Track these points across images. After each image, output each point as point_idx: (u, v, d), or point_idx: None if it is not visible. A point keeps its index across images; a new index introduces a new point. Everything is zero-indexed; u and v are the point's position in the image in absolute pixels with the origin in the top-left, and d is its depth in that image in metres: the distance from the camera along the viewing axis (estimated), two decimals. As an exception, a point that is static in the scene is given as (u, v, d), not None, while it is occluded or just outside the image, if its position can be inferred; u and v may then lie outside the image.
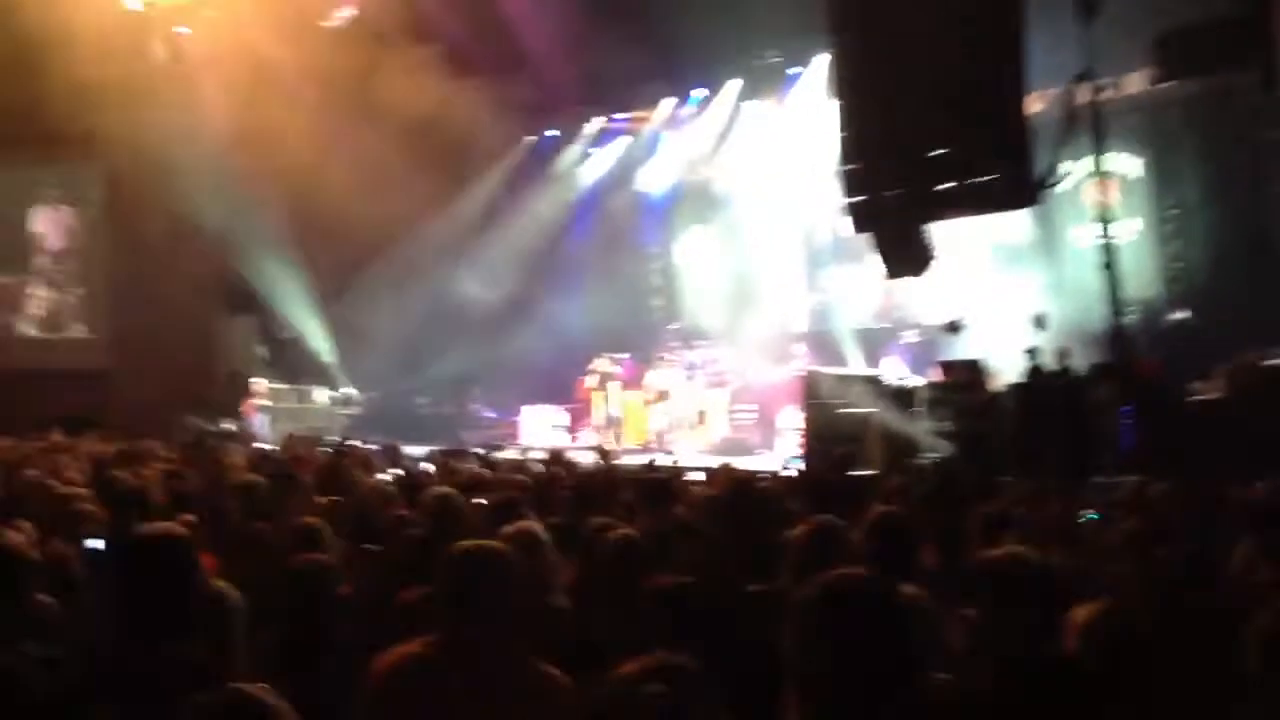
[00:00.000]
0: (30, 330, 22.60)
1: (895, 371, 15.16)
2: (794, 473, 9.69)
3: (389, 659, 3.03)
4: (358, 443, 13.63)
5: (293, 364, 20.89)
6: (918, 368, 15.27)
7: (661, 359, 18.16)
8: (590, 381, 19.13)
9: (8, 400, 18.24)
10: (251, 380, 19.90)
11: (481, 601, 3.00)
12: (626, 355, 19.77)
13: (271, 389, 19.92)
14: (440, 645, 3.01)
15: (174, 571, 3.05)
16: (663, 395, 18.03)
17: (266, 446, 14.95)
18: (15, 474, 8.24)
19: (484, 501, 6.00)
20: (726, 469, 8.76)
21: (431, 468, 9.89)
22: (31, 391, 19.57)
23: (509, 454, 13.58)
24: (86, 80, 16.48)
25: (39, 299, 22.55)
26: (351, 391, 20.76)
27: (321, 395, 20.25)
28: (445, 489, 5.97)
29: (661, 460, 12.84)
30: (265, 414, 19.46)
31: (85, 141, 19.75)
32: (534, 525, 4.24)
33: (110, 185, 21.27)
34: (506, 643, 3.02)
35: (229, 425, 18.69)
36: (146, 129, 18.22)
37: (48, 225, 22.42)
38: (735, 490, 5.74)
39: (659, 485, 6.52)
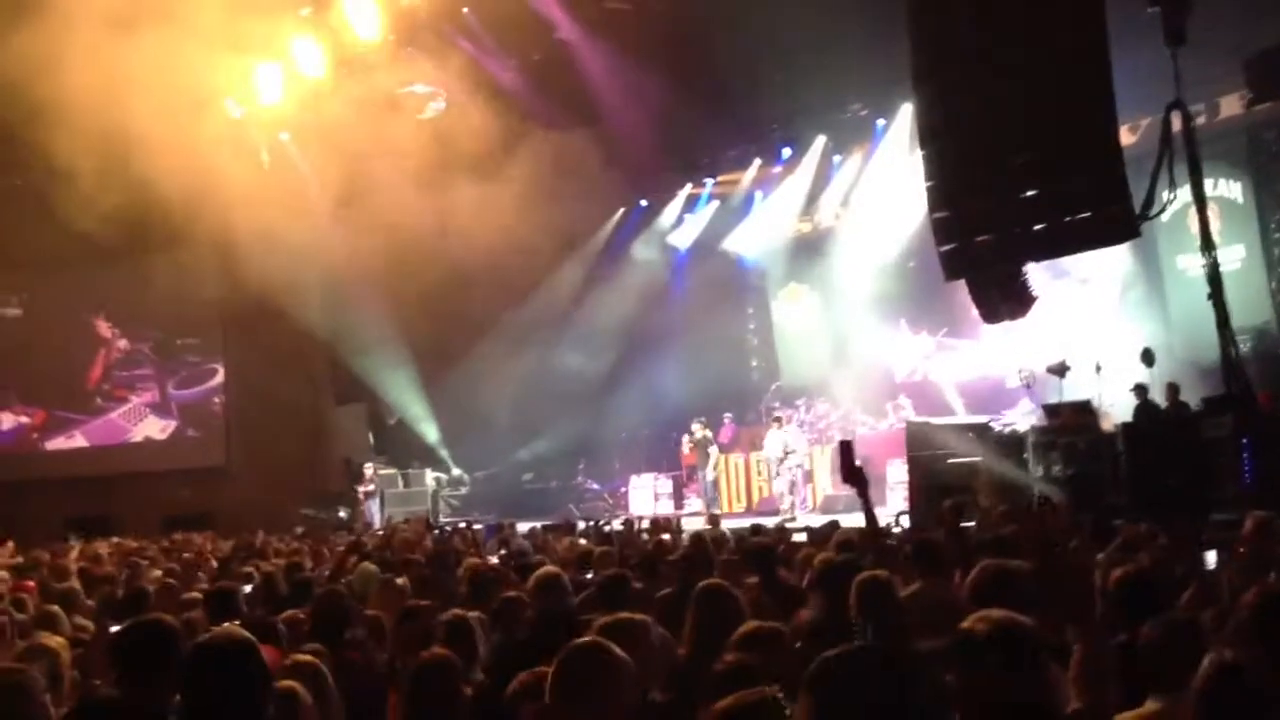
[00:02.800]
0: (147, 431, 23.46)
1: (1026, 416, 14.78)
2: (900, 528, 9.51)
3: None
4: (463, 523, 13.77)
5: (400, 448, 21.29)
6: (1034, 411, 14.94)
7: (777, 419, 18.02)
8: (686, 446, 19.09)
9: (130, 503, 18.88)
10: (364, 466, 20.29)
11: (588, 699, 3.06)
12: (728, 417, 19.73)
13: (380, 474, 20.30)
14: None
15: (238, 675, 3.16)
16: (779, 455, 17.86)
17: (379, 530, 15.22)
18: (137, 576, 8.49)
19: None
20: (832, 529, 8.65)
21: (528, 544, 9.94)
22: (149, 490, 20.26)
23: (616, 525, 13.57)
24: (196, 185, 17.22)
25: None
26: (458, 472, 21.06)
27: (429, 477, 20.55)
28: (551, 568, 5.99)
29: (768, 521, 12.70)
30: (375, 499, 19.82)
31: (196, 243, 20.56)
32: (637, 616, 4.19)
33: (221, 285, 22.07)
34: None
35: (343, 513, 19.07)
36: (254, 228, 18.93)
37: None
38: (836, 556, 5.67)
39: (763, 550, 6.48)
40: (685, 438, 19.09)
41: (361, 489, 19.98)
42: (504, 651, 4.94)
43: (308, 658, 4.14)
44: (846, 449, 5.75)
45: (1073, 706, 3.27)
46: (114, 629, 5.05)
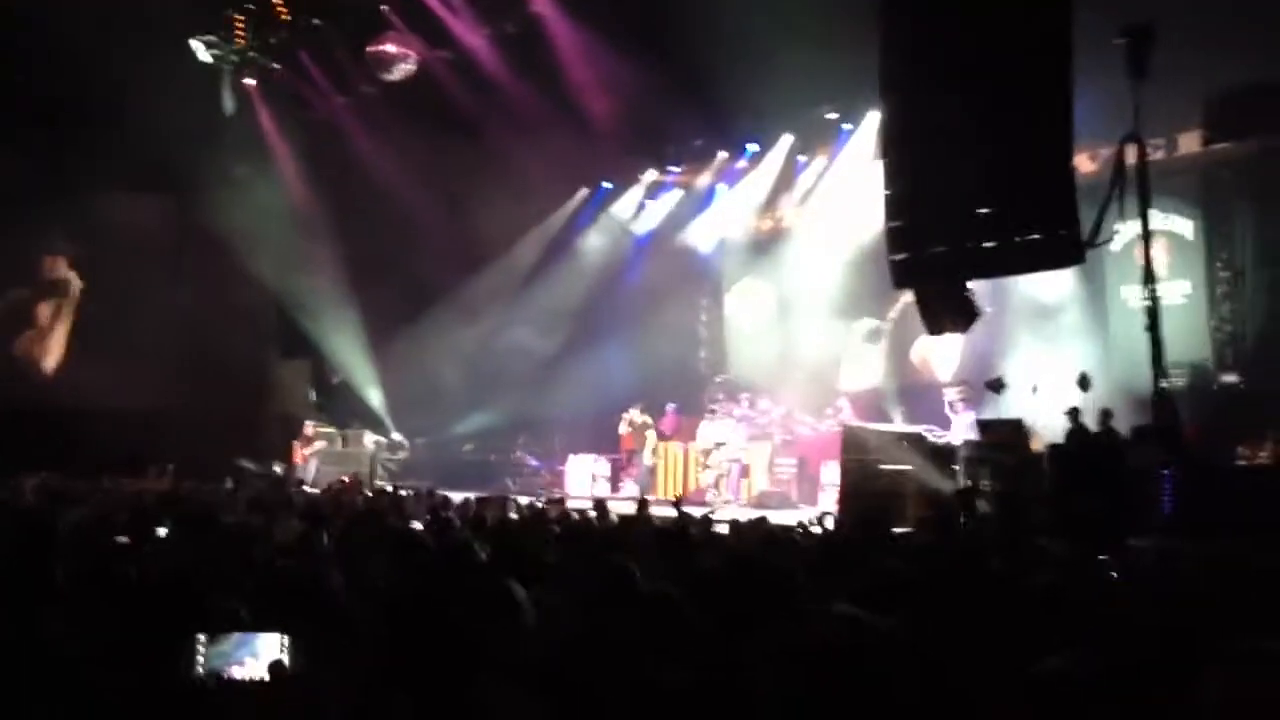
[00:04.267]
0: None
1: (965, 430, 14.97)
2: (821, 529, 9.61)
3: None
4: (391, 489, 13.72)
5: (342, 408, 21.17)
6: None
7: (711, 411, 18.17)
8: (623, 430, 19.17)
9: (63, 438, 18.59)
10: (305, 425, 20.16)
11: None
12: (672, 406, 19.81)
13: (320, 432, 20.19)
14: None
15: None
16: (708, 447, 17.98)
17: (311, 490, 15.13)
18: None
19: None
20: (758, 523, 8.74)
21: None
22: (86, 429, 19.95)
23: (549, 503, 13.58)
24: (160, 124, 17.00)
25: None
26: (399, 437, 20.96)
27: (368, 440, 20.45)
28: (466, 536, 6.02)
29: (698, 512, 12.78)
30: (314, 459, 19.70)
31: (151, 183, 20.30)
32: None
33: (175, 226, 21.78)
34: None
35: (277, 469, 18.94)
36: (212, 173, 18.74)
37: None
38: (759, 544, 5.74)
39: (678, 536, 6.54)
40: (624, 420, 19.16)
41: (305, 447, 19.85)
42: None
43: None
44: None
45: None
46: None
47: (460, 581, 4.43)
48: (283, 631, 3.29)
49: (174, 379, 21.32)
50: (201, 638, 3.25)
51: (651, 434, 18.75)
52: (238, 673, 3.23)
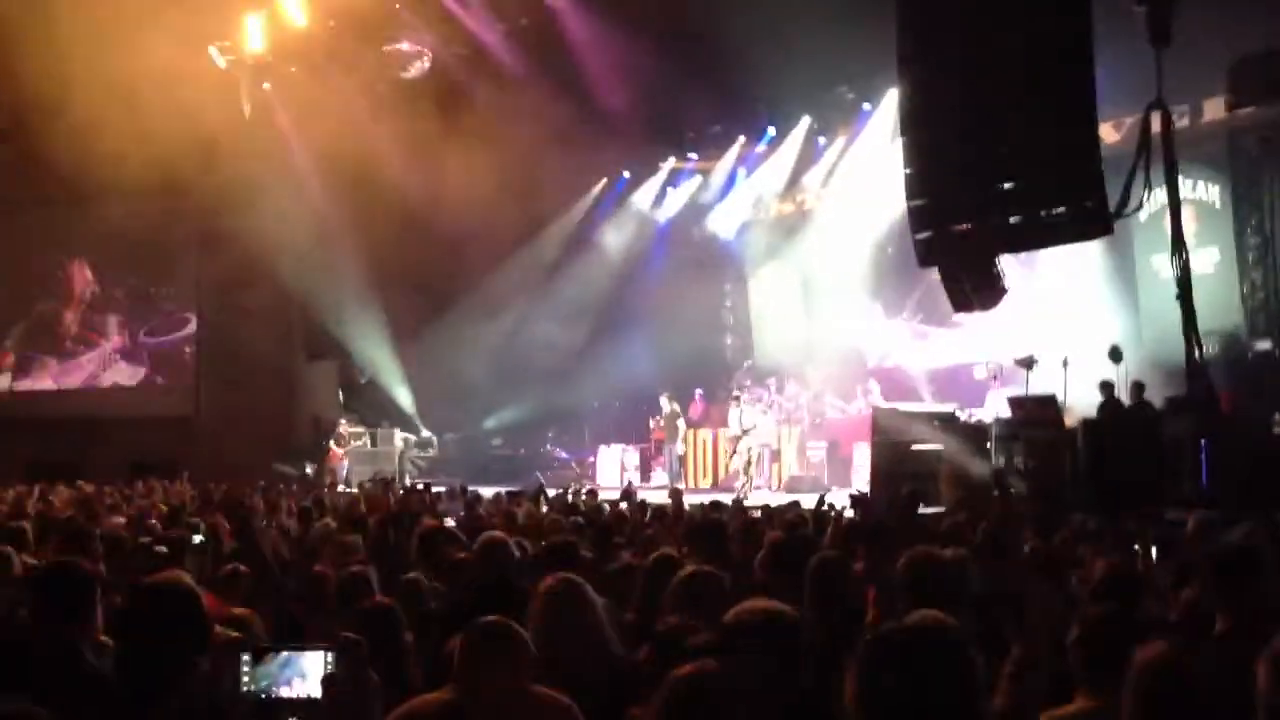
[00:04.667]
0: (116, 377, 23.35)
1: (997, 408, 14.89)
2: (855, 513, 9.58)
3: (409, 706, 3.21)
4: (424, 486, 13.76)
5: (371, 407, 21.26)
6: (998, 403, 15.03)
7: (736, 397, 18.12)
8: (657, 418, 19.16)
9: (96, 448, 18.78)
10: (338, 426, 20.26)
11: (493, 667, 3.23)
12: (699, 392, 19.78)
13: (349, 432, 20.29)
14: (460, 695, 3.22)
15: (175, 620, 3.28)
16: (737, 434, 17.93)
17: (346, 489, 15.21)
18: (91, 519, 8.47)
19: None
20: (788, 509, 8.72)
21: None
22: (116, 437, 20.16)
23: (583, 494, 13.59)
24: (178, 132, 17.09)
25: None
26: (427, 434, 21.03)
27: (397, 438, 20.53)
28: (496, 534, 6.00)
29: (728, 498, 12.76)
30: (348, 458, 19.82)
31: (171, 188, 20.41)
32: (571, 578, 4.23)
33: (196, 232, 21.91)
34: (523, 691, 3.23)
35: (309, 469, 19.06)
36: (232, 179, 18.82)
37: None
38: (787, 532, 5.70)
39: (713, 527, 6.51)
40: (655, 416, 19.17)
41: (340, 446, 19.96)
42: (447, 611, 4.97)
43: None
44: None
45: (998, 704, 3.30)
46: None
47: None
48: (328, 648, 3.24)
49: (202, 384, 21.53)
50: (246, 657, 3.21)
51: (681, 423, 18.72)
52: (286, 693, 3.19)
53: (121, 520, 8.97)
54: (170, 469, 17.32)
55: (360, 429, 20.56)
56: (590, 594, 4.05)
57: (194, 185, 19.41)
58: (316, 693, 3.16)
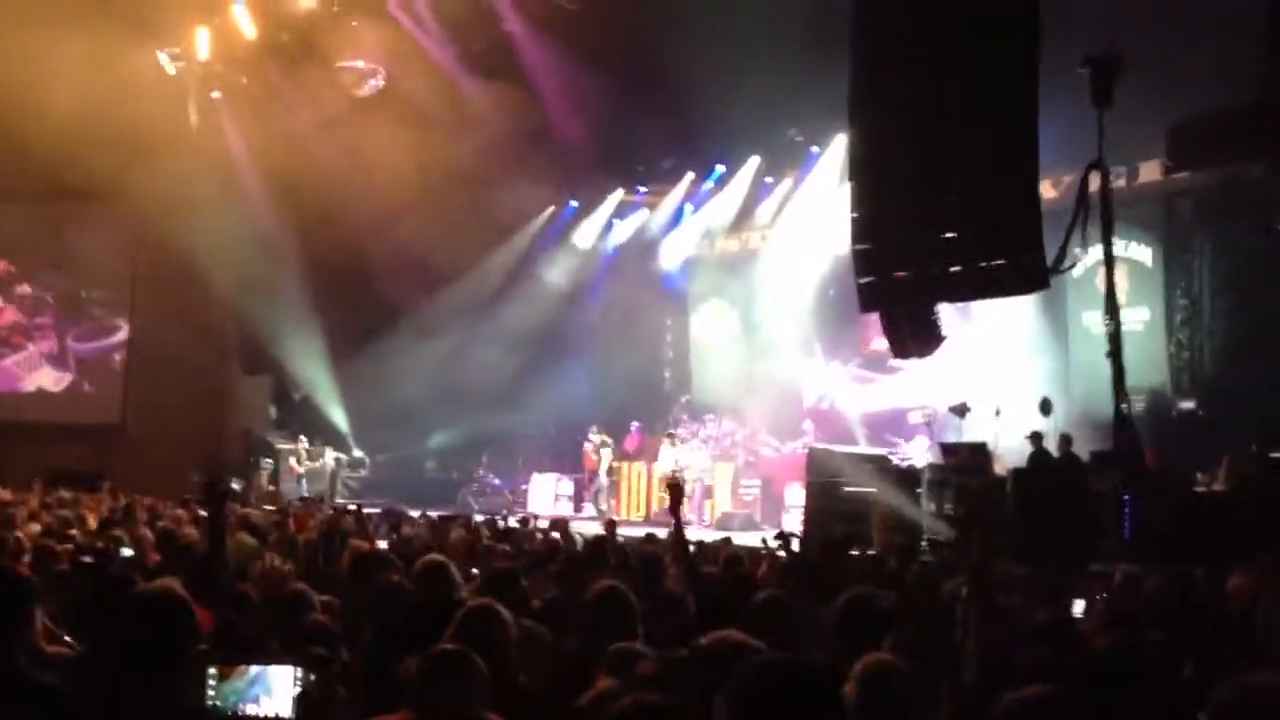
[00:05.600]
0: (41, 381, 22.83)
1: (922, 452, 15.14)
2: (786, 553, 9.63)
3: None
4: (357, 508, 13.59)
5: (304, 425, 21.00)
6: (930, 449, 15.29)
7: (671, 435, 18.19)
8: (587, 448, 19.17)
9: (16, 454, 18.34)
10: (299, 440, 19.98)
11: (452, 693, 3.24)
12: (636, 425, 19.82)
13: (281, 449, 20.01)
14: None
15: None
16: (671, 469, 17.95)
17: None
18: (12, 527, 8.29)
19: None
20: (722, 545, 8.75)
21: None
22: (41, 445, 19.71)
23: (512, 521, 13.54)
24: (121, 137, 16.85)
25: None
26: (360, 454, 20.81)
27: (329, 457, 20.29)
28: (437, 557, 5.97)
29: (662, 532, 12.79)
30: (304, 477, 19.58)
31: (113, 194, 20.11)
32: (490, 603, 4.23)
33: (134, 241, 21.57)
34: (479, 717, 3.28)
35: (236, 484, 18.75)
36: (174, 187, 18.56)
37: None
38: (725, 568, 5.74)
39: (653, 559, 6.53)
40: (587, 444, 19.21)
41: (298, 464, 19.70)
42: (382, 637, 4.93)
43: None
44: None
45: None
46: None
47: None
48: (296, 663, 3.17)
49: (130, 393, 21.12)
50: (212, 671, 3.13)
51: (607, 453, 18.77)
52: (254, 710, 3.10)
53: (37, 528, 8.79)
54: (93, 479, 16.95)
55: (292, 446, 20.28)
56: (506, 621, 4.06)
57: (134, 191, 19.11)
58: (285, 710, 3.09)
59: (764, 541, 9.35)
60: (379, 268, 19.48)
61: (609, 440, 18.96)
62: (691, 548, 8.86)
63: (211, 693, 3.11)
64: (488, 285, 21.43)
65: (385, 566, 6.38)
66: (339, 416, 20.90)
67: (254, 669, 3.14)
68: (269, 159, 19.70)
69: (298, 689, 3.10)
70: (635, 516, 18.20)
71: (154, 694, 3.13)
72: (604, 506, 18.37)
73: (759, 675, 2.26)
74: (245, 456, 20.15)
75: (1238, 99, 13.56)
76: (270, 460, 20.01)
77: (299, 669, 3.13)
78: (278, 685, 3.12)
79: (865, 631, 3.69)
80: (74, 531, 8.75)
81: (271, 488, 19.18)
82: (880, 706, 2.21)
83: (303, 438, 20.20)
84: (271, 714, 3.10)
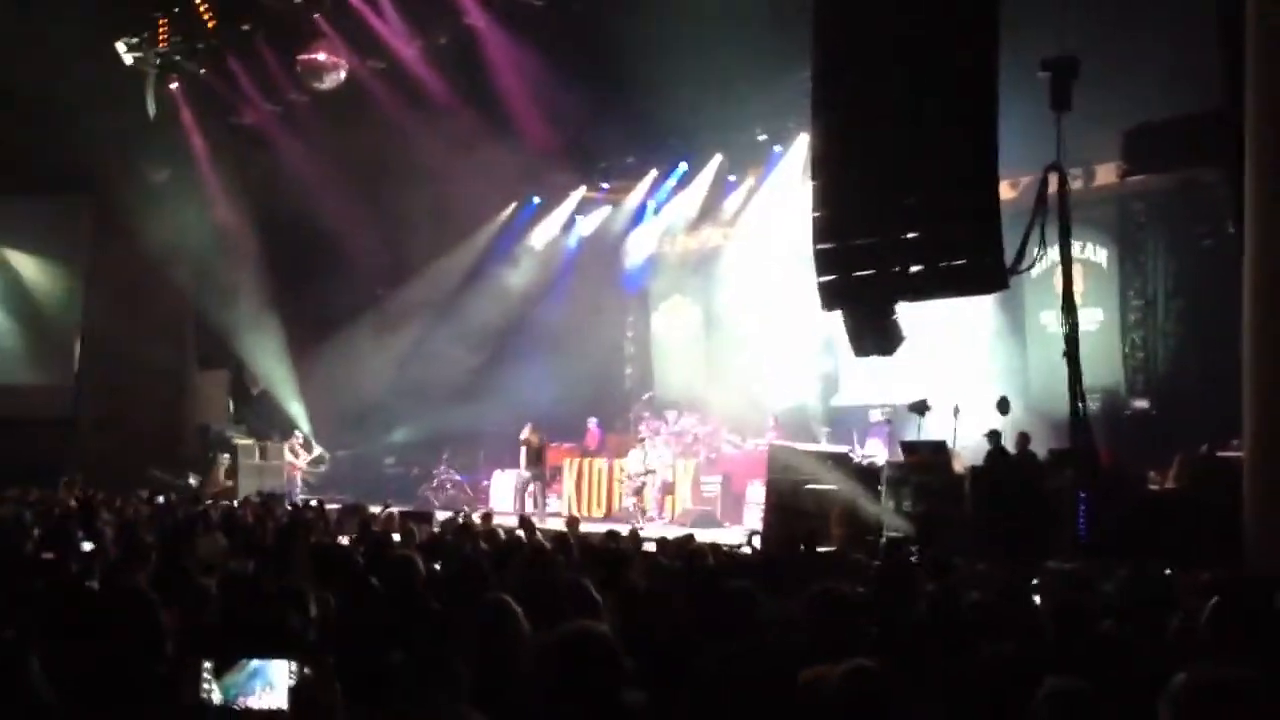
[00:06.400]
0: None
1: (876, 451, 15.29)
2: (751, 549, 9.72)
3: None
4: (318, 503, 13.52)
5: (261, 419, 20.83)
6: (889, 448, 15.43)
7: (641, 440, 18.19)
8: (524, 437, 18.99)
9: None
10: (294, 436, 19.71)
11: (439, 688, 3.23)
12: (594, 421, 19.82)
13: (239, 444, 19.81)
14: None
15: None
16: (640, 472, 17.95)
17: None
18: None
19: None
20: (685, 541, 8.79)
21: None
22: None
23: (475, 518, 13.52)
24: (80, 126, 16.65)
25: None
26: (319, 450, 20.67)
27: (288, 453, 20.12)
28: (406, 553, 5.99)
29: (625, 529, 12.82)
30: (300, 476, 19.36)
31: (70, 185, 19.87)
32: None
33: (92, 231, 21.31)
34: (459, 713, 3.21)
35: (193, 479, 18.60)
36: (133, 178, 18.38)
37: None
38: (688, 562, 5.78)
39: (616, 557, 6.57)
40: (551, 444, 19.16)
41: (295, 458, 19.45)
42: (352, 633, 4.93)
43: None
44: None
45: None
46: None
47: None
48: (294, 657, 3.15)
49: (87, 386, 20.85)
50: (207, 665, 3.11)
51: (525, 449, 18.74)
52: (254, 703, 3.08)
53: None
54: (48, 473, 16.75)
55: (249, 441, 20.10)
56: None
57: (93, 182, 18.92)
58: (283, 703, 3.09)
59: (749, 538, 9.41)
60: (339, 263, 19.38)
61: (536, 439, 18.85)
62: (653, 544, 8.93)
63: (208, 687, 3.10)
64: (449, 281, 21.37)
65: (349, 562, 6.38)
66: (298, 411, 20.74)
67: (253, 663, 3.13)
68: (229, 151, 19.56)
69: (292, 682, 3.10)
70: (596, 514, 18.21)
71: (133, 692, 3.12)
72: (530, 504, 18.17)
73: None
74: (203, 451, 19.95)
75: (1192, 105, 13.79)
76: (227, 455, 19.80)
77: (294, 663, 3.13)
78: (277, 678, 3.12)
79: (835, 622, 3.75)
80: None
81: (229, 482, 18.97)
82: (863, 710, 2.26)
83: (297, 432, 19.94)
84: (270, 707, 3.10)
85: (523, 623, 3.75)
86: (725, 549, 8.86)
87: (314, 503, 13.55)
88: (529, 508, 17.45)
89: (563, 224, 22.16)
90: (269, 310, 19.97)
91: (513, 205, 21.93)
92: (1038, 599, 6.12)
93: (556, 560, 7.06)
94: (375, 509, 13.01)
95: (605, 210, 21.86)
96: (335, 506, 12.95)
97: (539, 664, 2.37)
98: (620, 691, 2.78)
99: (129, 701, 3.11)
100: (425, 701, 3.18)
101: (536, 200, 22.02)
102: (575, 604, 4.37)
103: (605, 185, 21.61)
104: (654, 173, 20.86)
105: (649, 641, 4.12)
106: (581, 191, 21.73)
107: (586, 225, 22.08)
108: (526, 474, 18.56)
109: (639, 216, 21.49)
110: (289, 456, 19.52)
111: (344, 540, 8.66)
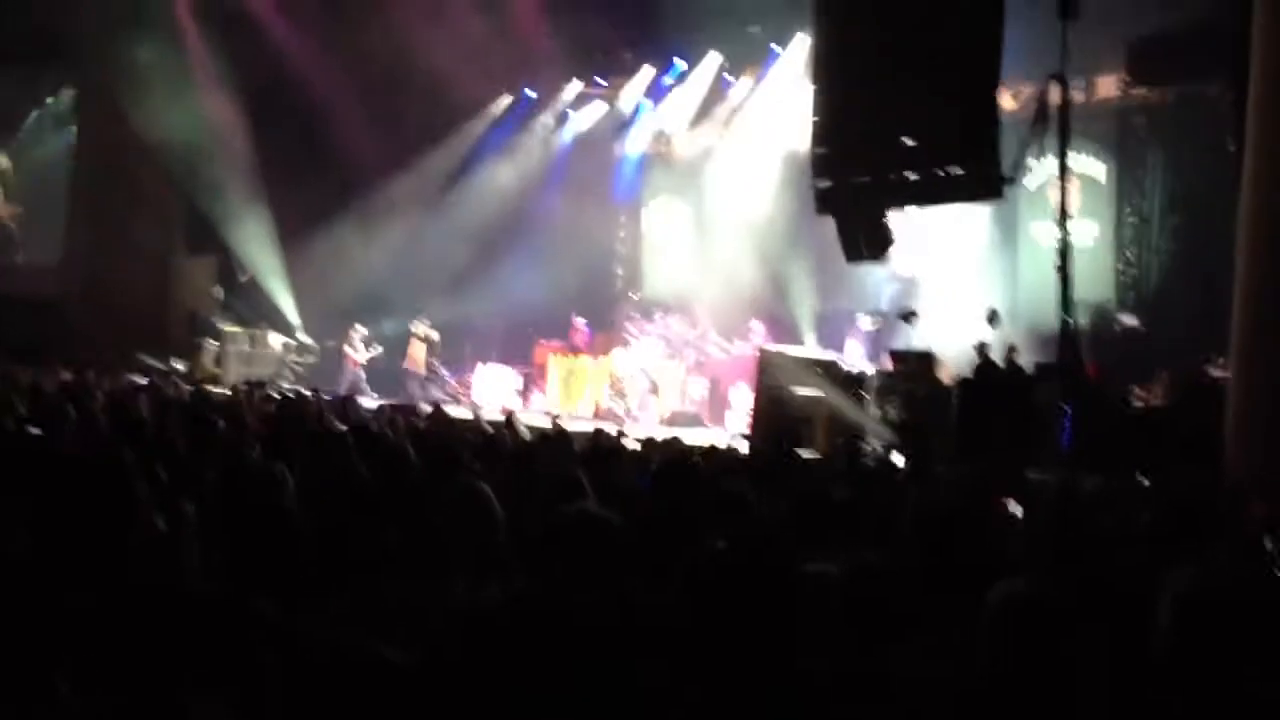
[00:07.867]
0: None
1: (854, 357, 15.35)
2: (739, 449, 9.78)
3: None
4: (314, 392, 13.50)
5: (250, 307, 20.70)
6: (874, 354, 15.48)
7: (624, 329, 18.22)
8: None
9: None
10: (354, 327, 19.59)
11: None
12: (582, 320, 19.78)
13: (226, 331, 19.72)
14: None
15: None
16: (621, 365, 18.01)
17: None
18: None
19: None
20: (671, 442, 8.86)
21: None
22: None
23: (459, 412, 13.57)
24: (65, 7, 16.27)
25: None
26: (307, 340, 20.58)
27: (276, 341, 20.06)
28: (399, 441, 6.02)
29: (610, 429, 12.90)
30: (362, 370, 19.22)
31: (59, 56, 19.42)
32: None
33: (81, 105, 20.94)
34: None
35: (180, 365, 18.55)
36: (124, 51, 18.01)
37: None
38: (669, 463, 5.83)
39: (604, 453, 6.61)
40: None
41: (354, 353, 19.31)
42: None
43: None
44: None
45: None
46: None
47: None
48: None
49: (73, 267, 20.63)
50: None
51: (418, 345, 18.88)
52: None
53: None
54: (34, 354, 16.67)
55: (238, 329, 20.00)
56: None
57: (83, 51, 18.50)
58: None
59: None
60: (332, 151, 19.11)
61: (428, 335, 18.99)
62: (638, 444, 8.99)
63: None
64: (441, 173, 21.12)
65: (344, 449, 6.42)
66: (286, 300, 20.62)
67: None
68: (221, 34, 19.14)
69: None
70: (585, 413, 18.30)
71: (97, 565, 3.09)
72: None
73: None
74: (190, 336, 19.86)
75: (1196, 17, 13.60)
76: (215, 342, 19.72)
77: None
78: None
79: (823, 523, 3.79)
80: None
81: (217, 369, 18.94)
82: (865, 606, 2.29)
83: (357, 325, 19.64)
84: None
85: (495, 505, 3.76)
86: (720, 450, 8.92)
87: (309, 393, 13.51)
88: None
89: (557, 118, 21.86)
90: (259, 198, 19.68)
91: (507, 98, 21.58)
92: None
93: (540, 452, 7.12)
94: (367, 403, 13.07)
95: (601, 108, 21.55)
96: (326, 398, 12.94)
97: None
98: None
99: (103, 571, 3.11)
100: (418, 576, 3.21)
101: (531, 94, 21.67)
102: (565, 495, 4.40)
103: (601, 80, 21.27)
104: (650, 69, 20.54)
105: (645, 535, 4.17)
106: (577, 87, 21.38)
107: (581, 120, 21.78)
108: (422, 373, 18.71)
109: (634, 114, 21.21)
110: (348, 350, 19.39)
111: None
